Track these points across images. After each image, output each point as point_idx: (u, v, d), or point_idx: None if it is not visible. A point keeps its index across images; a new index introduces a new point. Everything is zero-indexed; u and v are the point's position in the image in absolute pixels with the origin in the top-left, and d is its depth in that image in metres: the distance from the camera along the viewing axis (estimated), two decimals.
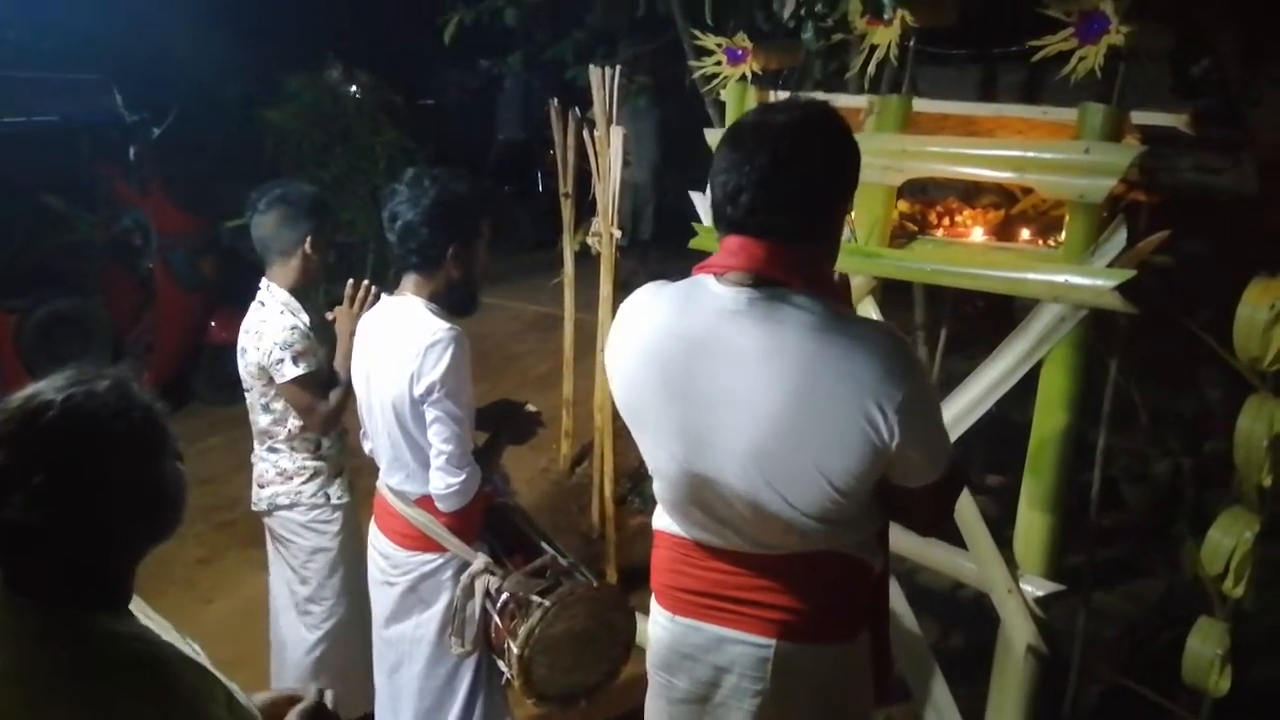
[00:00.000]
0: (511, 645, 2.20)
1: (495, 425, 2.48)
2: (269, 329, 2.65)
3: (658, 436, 1.60)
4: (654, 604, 1.78)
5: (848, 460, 1.44)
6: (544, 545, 2.42)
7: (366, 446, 2.49)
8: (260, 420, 2.78)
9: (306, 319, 2.71)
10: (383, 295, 2.42)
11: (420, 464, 2.30)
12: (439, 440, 2.22)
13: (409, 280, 2.30)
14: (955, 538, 2.49)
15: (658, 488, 1.68)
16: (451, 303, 2.31)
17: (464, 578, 2.32)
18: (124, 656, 1.19)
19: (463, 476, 2.24)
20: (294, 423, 2.74)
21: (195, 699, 1.20)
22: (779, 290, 1.47)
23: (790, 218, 1.46)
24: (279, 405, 2.73)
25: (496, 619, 2.27)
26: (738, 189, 1.45)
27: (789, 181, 1.45)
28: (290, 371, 2.61)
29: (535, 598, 2.22)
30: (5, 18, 7.00)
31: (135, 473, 1.21)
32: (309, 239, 2.69)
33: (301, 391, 2.64)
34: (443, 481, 2.24)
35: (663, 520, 1.74)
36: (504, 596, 2.26)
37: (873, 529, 1.64)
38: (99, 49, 7.22)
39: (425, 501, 2.33)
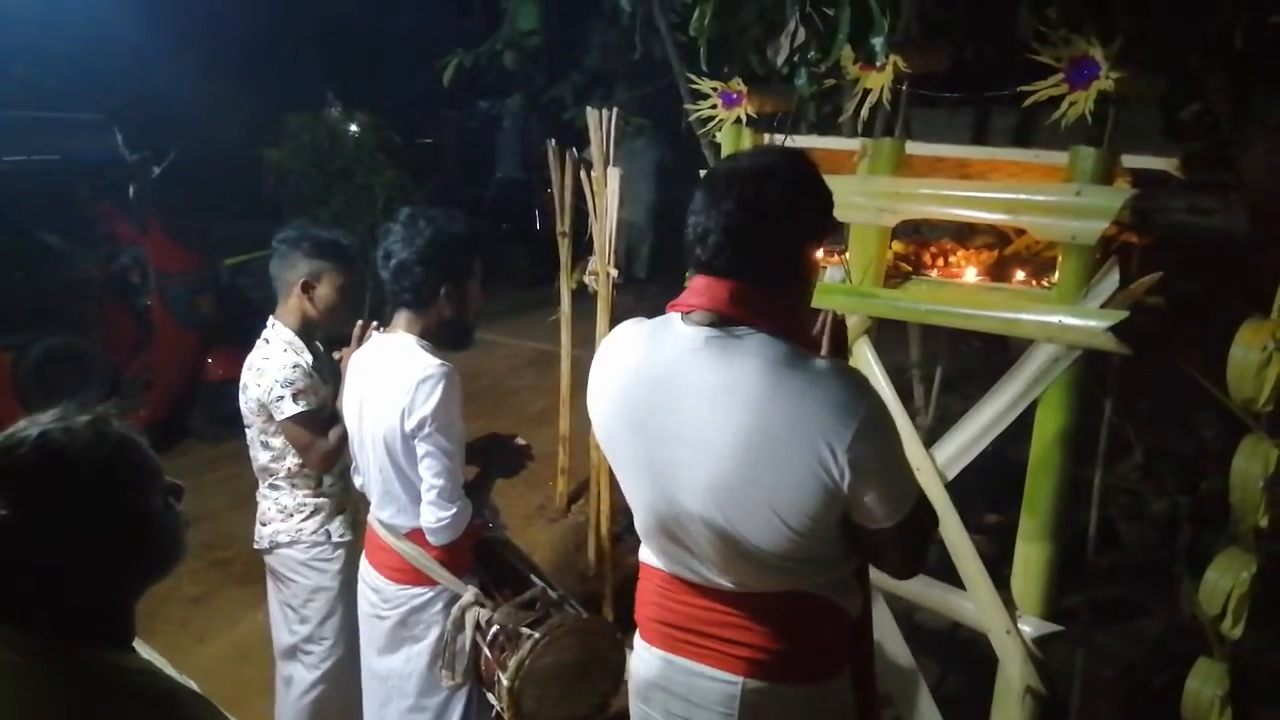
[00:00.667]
0: (501, 677, 2.20)
1: (484, 459, 2.49)
2: (270, 366, 2.66)
3: (629, 472, 1.64)
4: (637, 635, 1.80)
5: (800, 500, 1.45)
6: (534, 578, 2.42)
7: (357, 481, 2.50)
8: (260, 457, 2.78)
9: (310, 358, 2.72)
10: (375, 332, 2.44)
11: (411, 498, 2.31)
12: (430, 475, 2.23)
13: (401, 317, 2.32)
14: (953, 577, 2.48)
15: (636, 521, 1.71)
16: (444, 339, 2.34)
17: (454, 610, 2.32)
18: (132, 690, 1.19)
19: (454, 510, 2.25)
20: (293, 460, 2.74)
21: None
22: (739, 329, 1.49)
23: (755, 260, 1.50)
24: (278, 442, 2.73)
25: (486, 651, 2.27)
26: (706, 231, 1.50)
27: (754, 225, 1.49)
28: (289, 409, 2.62)
29: (525, 630, 2.22)
30: (10, 56, 7.08)
31: (111, 508, 1.21)
32: (303, 281, 2.71)
33: (301, 429, 2.65)
34: (434, 516, 2.25)
35: (645, 553, 1.77)
36: (494, 629, 2.26)
37: (845, 570, 1.63)
38: (102, 88, 7.30)
39: (416, 535, 2.34)
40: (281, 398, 2.62)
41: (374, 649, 2.47)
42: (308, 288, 2.72)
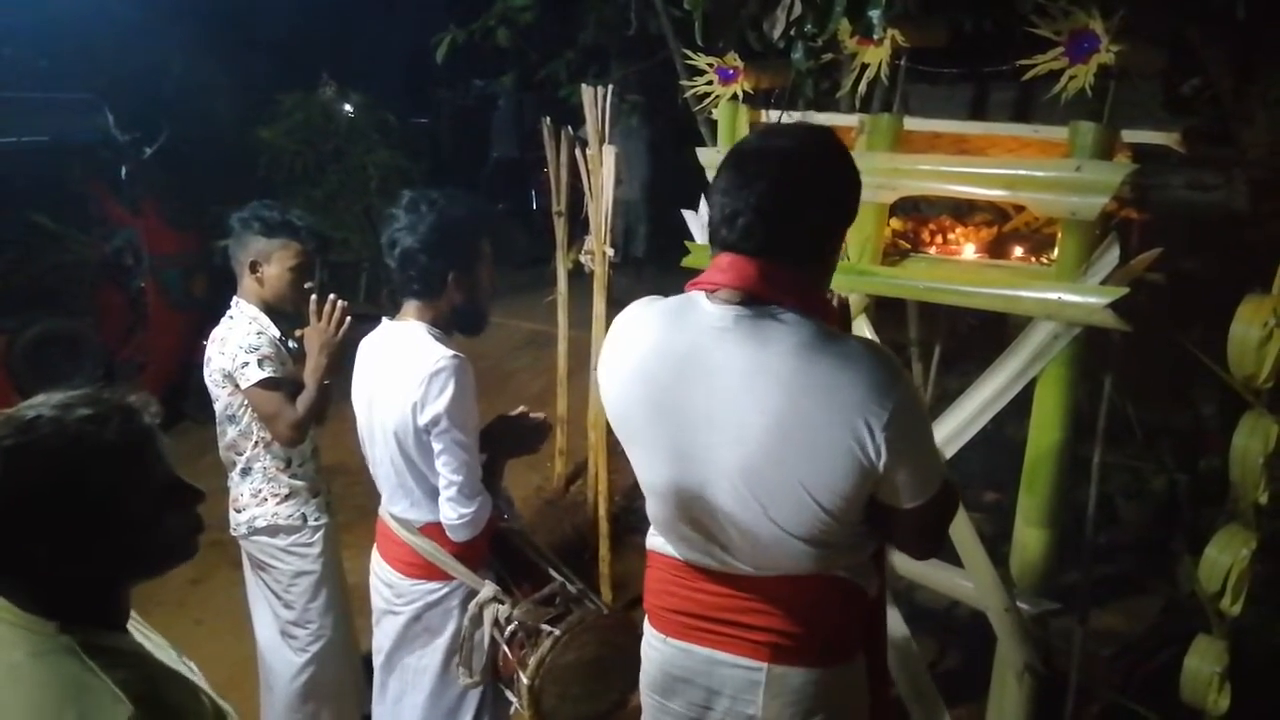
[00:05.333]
0: (521, 675, 2.16)
1: (494, 444, 2.39)
2: (234, 335, 2.65)
3: (648, 454, 1.60)
4: (647, 625, 1.77)
5: (835, 480, 1.43)
6: (552, 571, 2.37)
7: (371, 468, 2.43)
8: (228, 433, 2.74)
9: (276, 332, 2.71)
10: (384, 318, 2.35)
11: (424, 492, 2.25)
12: (449, 471, 2.17)
13: (411, 305, 2.25)
14: (951, 556, 2.47)
15: (650, 506, 1.68)
16: (456, 326, 2.28)
17: (472, 606, 2.26)
18: (112, 667, 1.18)
19: (474, 506, 2.20)
20: (261, 434, 2.70)
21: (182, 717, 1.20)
22: (768, 308, 1.46)
23: (787, 244, 1.46)
24: (245, 416, 2.69)
25: (505, 648, 2.22)
26: (736, 212, 1.45)
27: (788, 209, 1.44)
28: (255, 374, 2.57)
29: (545, 626, 2.17)
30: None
31: (103, 504, 1.20)
32: (251, 260, 2.70)
33: (267, 395, 2.59)
34: (455, 512, 2.19)
35: (655, 540, 1.73)
36: (512, 625, 2.21)
37: (866, 552, 1.62)
38: (92, 68, 7.23)
39: (430, 529, 2.28)
40: (246, 364, 2.58)
41: (387, 644, 2.41)
42: (255, 267, 2.71)
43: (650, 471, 1.61)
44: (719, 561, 1.60)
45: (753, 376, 1.43)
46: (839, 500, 1.45)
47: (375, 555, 2.43)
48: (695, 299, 1.53)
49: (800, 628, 1.58)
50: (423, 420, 2.14)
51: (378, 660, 2.46)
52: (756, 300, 1.46)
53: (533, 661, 2.14)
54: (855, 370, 1.41)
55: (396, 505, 2.32)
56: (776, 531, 1.49)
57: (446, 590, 2.31)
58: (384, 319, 2.34)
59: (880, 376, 1.42)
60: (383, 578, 2.40)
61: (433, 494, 2.24)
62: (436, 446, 2.17)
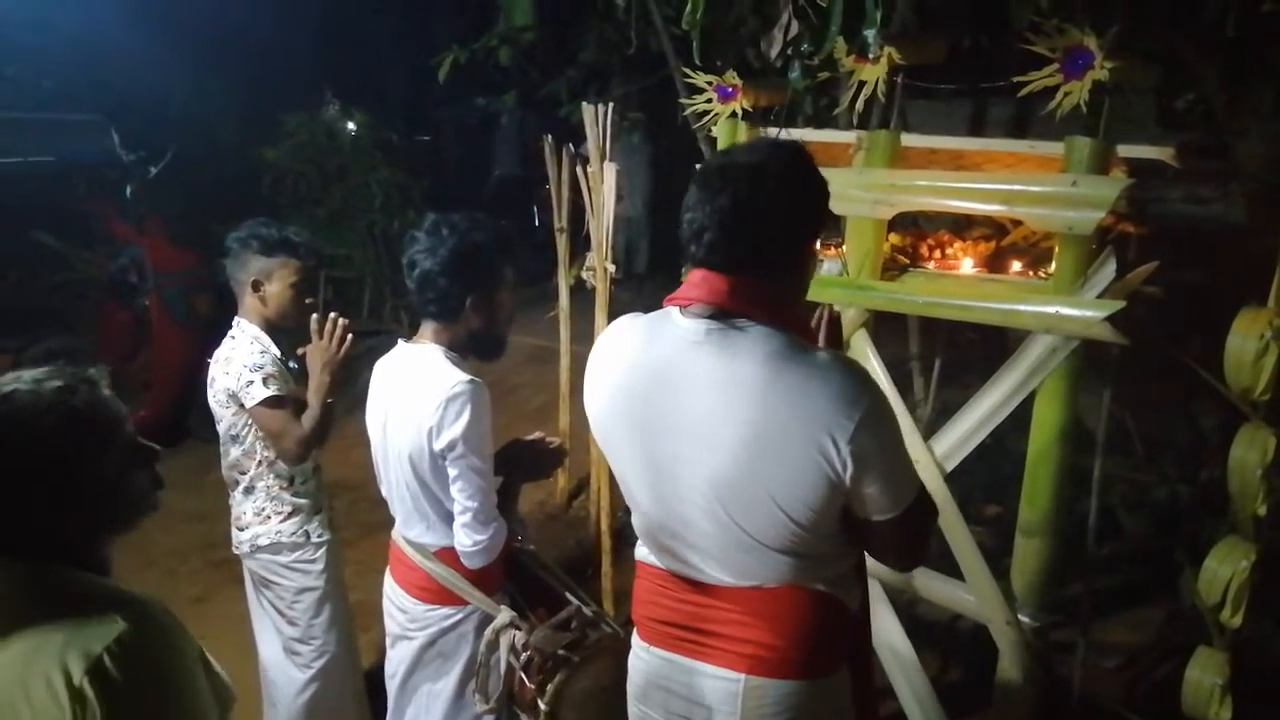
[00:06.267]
0: (539, 702, 2.14)
1: (509, 466, 2.36)
2: (238, 354, 2.65)
3: (628, 466, 1.63)
4: (634, 636, 1.79)
5: (802, 492, 1.45)
6: (567, 595, 2.34)
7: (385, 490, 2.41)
8: (231, 452, 2.75)
9: (277, 351, 2.72)
10: (400, 339, 2.32)
11: (439, 516, 2.23)
12: (463, 497, 2.15)
13: (428, 328, 2.23)
14: (954, 569, 2.48)
15: (633, 518, 1.70)
16: (473, 350, 2.26)
17: (488, 632, 2.24)
18: (101, 597, 1.30)
19: (490, 533, 2.18)
20: (265, 453, 2.71)
21: (169, 636, 1.30)
22: (738, 321, 1.49)
23: (751, 255, 1.50)
24: (249, 436, 2.70)
25: (520, 674, 2.20)
26: (702, 227, 1.50)
27: (749, 221, 1.48)
28: (260, 393, 2.58)
29: (562, 652, 2.16)
30: (4, 57, 7.07)
31: (45, 467, 1.30)
32: (253, 280, 2.72)
33: (273, 413, 2.60)
34: (470, 539, 2.17)
35: (642, 551, 1.76)
36: (529, 651, 2.19)
37: (845, 564, 1.63)
38: (98, 88, 7.28)
39: (445, 554, 2.25)
40: (251, 382, 2.59)
41: (401, 669, 2.38)
42: (258, 286, 2.72)
43: (630, 484, 1.65)
44: (698, 572, 1.62)
45: (723, 388, 1.46)
46: (808, 512, 1.47)
47: (388, 579, 2.40)
48: (670, 314, 1.57)
49: (779, 640, 1.59)
50: (438, 445, 2.12)
51: (392, 685, 2.43)
52: (727, 314, 1.50)
53: (550, 688, 2.12)
54: (821, 382, 1.43)
55: (411, 529, 2.30)
56: (749, 542, 1.51)
57: (461, 615, 2.29)
58: (400, 341, 2.32)
59: (846, 389, 1.43)
60: (396, 603, 2.37)
61: (448, 518, 2.22)
62: (452, 472, 2.15)
